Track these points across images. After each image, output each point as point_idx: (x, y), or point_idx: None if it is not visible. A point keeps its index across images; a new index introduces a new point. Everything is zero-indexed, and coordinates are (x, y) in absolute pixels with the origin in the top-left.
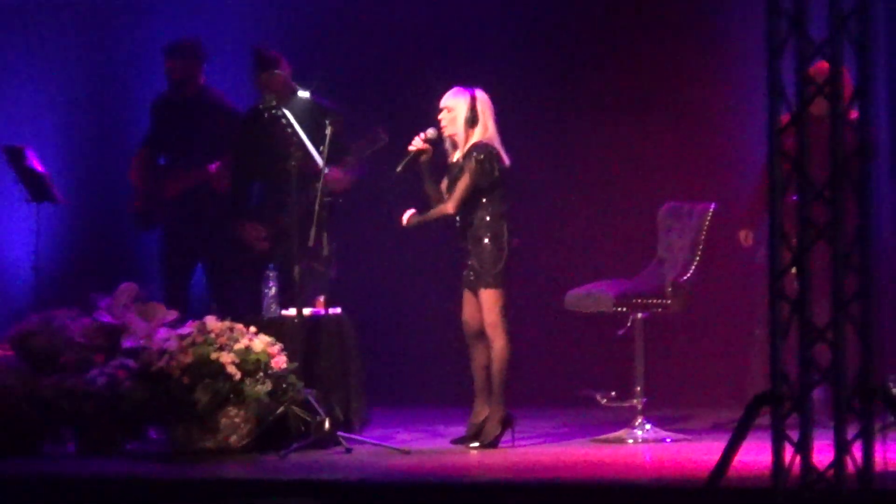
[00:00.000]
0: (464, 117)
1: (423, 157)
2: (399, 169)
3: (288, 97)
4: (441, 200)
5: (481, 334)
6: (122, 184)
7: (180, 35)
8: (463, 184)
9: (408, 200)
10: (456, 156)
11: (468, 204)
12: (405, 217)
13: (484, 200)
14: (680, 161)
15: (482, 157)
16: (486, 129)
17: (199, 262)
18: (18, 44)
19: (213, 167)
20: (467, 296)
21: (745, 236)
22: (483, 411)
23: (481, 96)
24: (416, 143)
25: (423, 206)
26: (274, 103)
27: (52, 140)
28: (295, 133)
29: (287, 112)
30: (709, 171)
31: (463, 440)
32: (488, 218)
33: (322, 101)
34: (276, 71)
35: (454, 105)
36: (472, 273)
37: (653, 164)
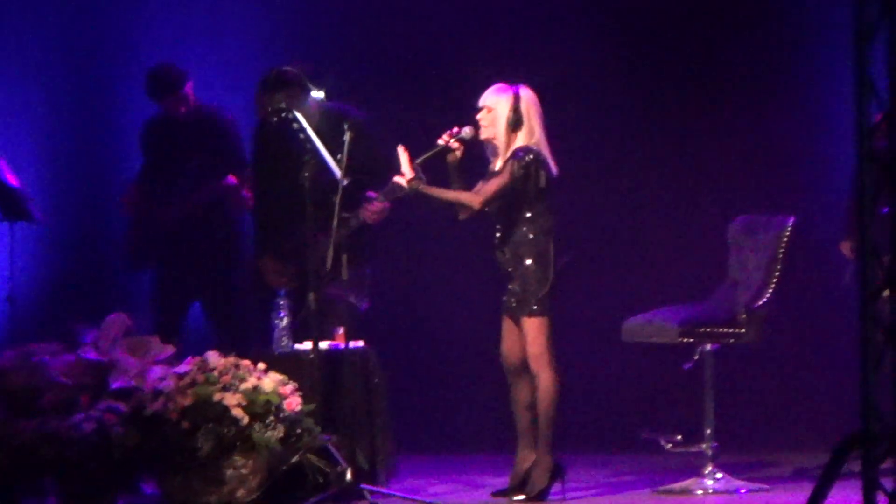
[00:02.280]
0: (505, 119)
1: (451, 157)
2: (419, 161)
3: (300, 100)
4: (467, 211)
5: (524, 369)
6: (109, 201)
7: (174, 34)
8: (499, 182)
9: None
10: (498, 164)
11: (508, 218)
12: (405, 178)
13: (528, 215)
14: (754, 168)
15: (527, 160)
16: (532, 134)
17: (197, 299)
18: None
19: (232, 179)
20: (507, 324)
21: (849, 248)
22: (528, 458)
23: (526, 95)
24: (444, 139)
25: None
26: (283, 105)
27: (28, 150)
28: (308, 139)
29: (299, 116)
30: (787, 178)
31: (506, 492)
32: (532, 235)
33: (339, 105)
34: (286, 68)
35: (495, 104)
36: (512, 298)
37: (723, 171)
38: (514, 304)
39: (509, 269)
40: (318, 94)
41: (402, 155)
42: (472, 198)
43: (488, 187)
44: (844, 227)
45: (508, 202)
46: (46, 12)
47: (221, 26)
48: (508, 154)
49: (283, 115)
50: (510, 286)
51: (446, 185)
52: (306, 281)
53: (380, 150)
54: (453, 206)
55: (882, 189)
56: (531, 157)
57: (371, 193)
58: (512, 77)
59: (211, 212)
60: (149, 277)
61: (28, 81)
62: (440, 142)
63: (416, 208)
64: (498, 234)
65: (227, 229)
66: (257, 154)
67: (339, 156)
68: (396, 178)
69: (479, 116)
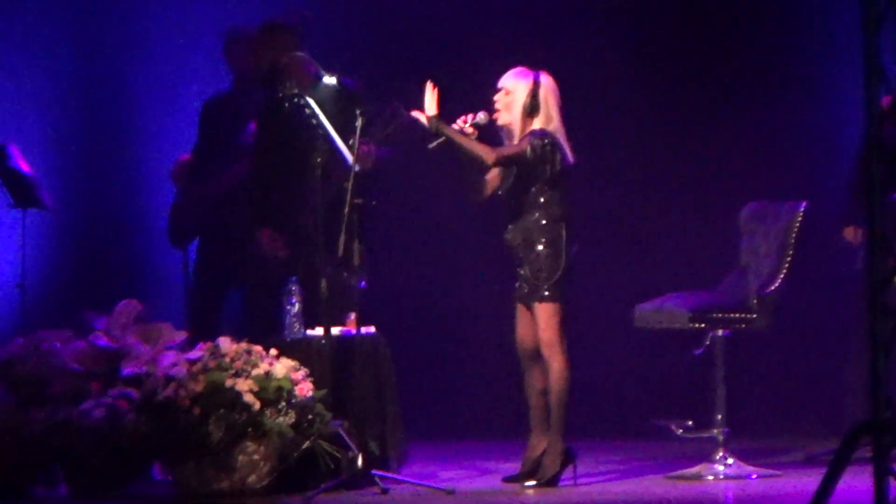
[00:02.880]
0: (522, 104)
1: None
2: (432, 146)
3: (310, 84)
4: (480, 192)
5: (537, 355)
6: (120, 187)
7: (180, 22)
8: (515, 149)
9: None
10: None
11: (520, 202)
12: (426, 114)
13: (542, 200)
14: (765, 155)
15: (543, 141)
16: (549, 121)
17: (236, 286)
18: (1, 32)
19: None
20: (521, 311)
21: (854, 234)
22: (540, 444)
23: (546, 82)
24: (459, 124)
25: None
26: (295, 91)
27: (39, 137)
28: (320, 125)
29: (311, 101)
30: (798, 164)
31: (517, 478)
32: (544, 221)
33: (350, 83)
34: (297, 53)
35: (513, 88)
36: (524, 285)
37: (734, 158)
38: (525, 291)
39: (519, 254)
40: (330, 80)
41: (430, 91)
42: (488, 152)
43: (504, 149)
44: (847, 212)
45: (522, 185)
46: (54, 3)
47: (229, 16)
48: (524, 136)
49: (296, 100)
50: (521, 272)
51: (459, 170)
52: (301, 252)
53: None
54: (466, 156)
55: (890, 176)
56: (547, 139)
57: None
58: (526, 63)
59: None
60: (159, 261)
61: (37, 70)
62: (455, 126)
63: (425, 195)
64: (508, 217)
65: None
66: (264, 132)
67: (350, 141)
68: (415, 113)
69: (496, 97)
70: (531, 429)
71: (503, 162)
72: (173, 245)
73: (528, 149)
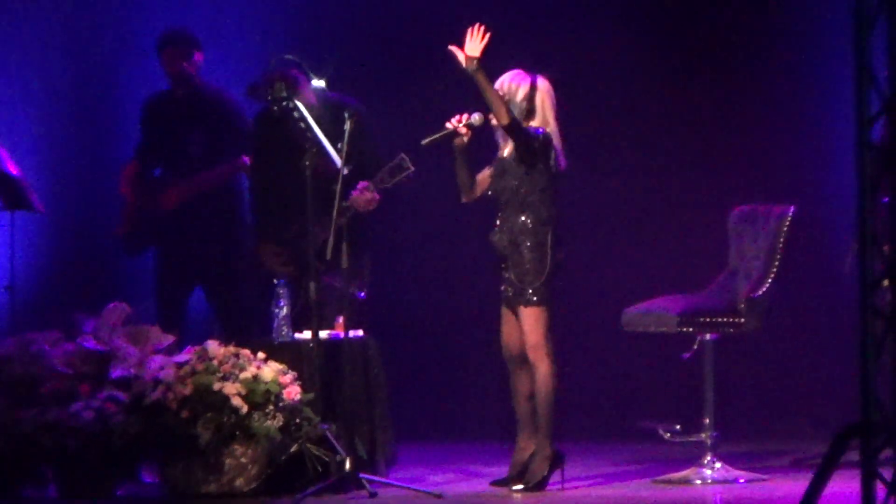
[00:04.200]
0: (518, 107)
1: (458, 142)
2: (425, 142)
3: (297, 89)
4: (471, 192)
5: (523, 359)
6: (110, 189)
7: (174, 21)
8: (526, 124)
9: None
10: (507, 150)
11: (511, 202)
12: (473, 52)
13: (530, 201)
14: (754, 157)
15: (542, 139)
16: (545, 125)
17: (199, 285)
18: None
19: (246, 159)
20: (506, 314)
21: None
22: (528, 448)
23: (543, 86)
24: (454, 123)
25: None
26: (284, 94)
27: (28, 139)
28: (309, 128)
29: (300, 104)
30: (787, 168)
31: (505, 482)
32: (531, 224)
33: (339, 96)
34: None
35: (509, 91)
36: (509, 288)
37: (723, 161)
38: (511, 294)
39: (505, 256)
40: (319, 84)
41: (478, 33)
42: (505, 114)
43: (518, 119)
44: None
45: (513, 185)
46: (45, 2)
47: (222, 15)
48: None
49: (285, 103)
50: (506, 275)
51: (451, 170)
52: (305, 268)
53: (377, 142)
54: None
55: (881, 178)
56: (544, 137)
57: (362, 183)
58: (521, 64)
59: (212, 194)
60: (149, 265)
61: (28, 70)
62: (449, 125)
63: (415, 197)
64: (499, 218)
65: (230, 213)
66: (257, 141)
67: (339, 144)
68: (454, 48)
69: None
70: (518, 432)
71: (515, 129)
72: (128, 254)
73: (532, 133)
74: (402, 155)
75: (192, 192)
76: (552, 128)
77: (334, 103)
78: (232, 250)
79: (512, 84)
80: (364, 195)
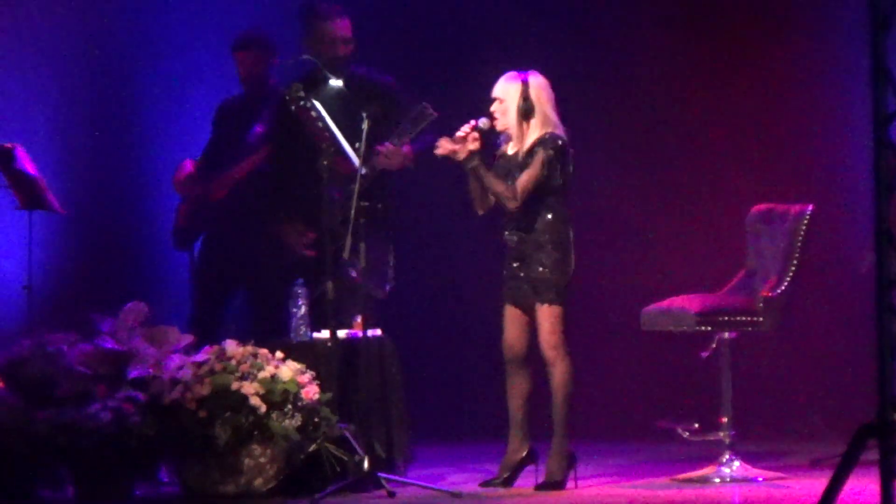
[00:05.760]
0: (516, 108)
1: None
2: (439, 152)
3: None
4: (484, 204)
5: (525, 359)
6: (128, 189)
7: (190, 21)
8: (530, 176)
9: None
10: (511, 146)
11: (527, 202)
12: (466, 148)
13: (551, 201)
14: (772, 157)
15: (554, 151)
16: (547, 120)
17: (241, 287)
18: (6, 29)
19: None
20: (512, 313)
21: None
22: (521, 450)
23: (535, 81)
24: (465, 131)
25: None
26: (301, 94)
27: (45, 139)
28: (327, 127)
29: (317, 104)
30: (805, 168)
31: (494, 482)
32: (554, 222)
33: (365, 71)
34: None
35: (504, 94)
36: (525, 286)
37: (740, 160)
38: (528, 292)
39: (524, 255)
40: (336, 83)
41: (471, 131)
42: (510, 199)
43: (522, 184)
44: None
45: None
46: (61, 2)
47: (238, 17)
48: (530, 142)
49: (302, 103)
50: (521, 273)
51: (461, 175)
52: (323, 259)
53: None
54: (483, 192)
55: None
56: (559, 144)
57: (382, 146)
58: (525, 66)
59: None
60: (168, 264)
61: (44, 71)
62: (459, 134)
63: (432, 196)
64: (510, 217)
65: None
66: (275, 134)
67: (357, 144)
68: (444, 142)
69: (493, 108)
70: (511, 434)
71: (525, 198)
72: (177, 248)
73: (541, 169)
74: (424, 103)
75: (234, 177)
76: (554, 121)
77: (361, 79)
78: (277, 250)
79: (507, 87)
80: (384, 147)
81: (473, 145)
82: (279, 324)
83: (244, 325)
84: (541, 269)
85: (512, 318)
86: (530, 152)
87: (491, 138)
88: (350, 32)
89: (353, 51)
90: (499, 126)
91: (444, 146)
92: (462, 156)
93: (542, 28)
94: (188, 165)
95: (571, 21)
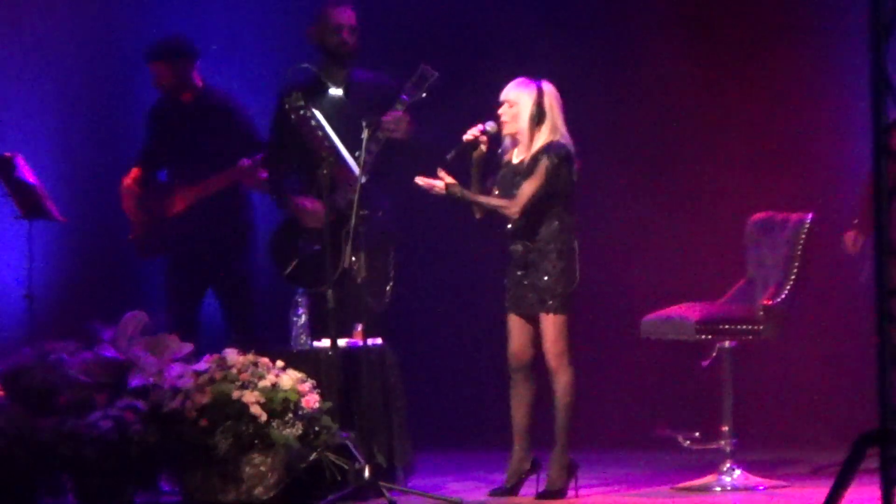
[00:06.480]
0: (528, 114)
1: (476, 153)
2: (450, 157)
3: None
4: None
5: (530, 369)
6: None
7: (191, 27)
8: (533, 185)
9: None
10: (516, 154)
11: (532, 211)
12: (443, 182)
13: (556, 209)
14: (772, 165)
15: (558, 159)
16: (556, 129)
17: (211, 288)
18: (7, 36)
19: (246, 162)
20: (517, 322)
21: (852, 240)
22: (526, 458)
23: (549, 90)
24: (474, 132)
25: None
26: (301, 103)
27: (45, 147)
28: (326, 136)
29: (317, 113)
30: (805, 176)
31: (502, 492)
32: (560, 231)
33: (372, 76)
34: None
35: (517, 99)
36: (530, 294)
37: (740, 169)
38: (533, 300)
39: (530, 264)
40: (336, 92)
41: (444, 175)
42: (510, 206)
43: (524, 193)
44: (857, 218)
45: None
46: (61, 7)
47: (238, 21)
48: (535, 150)
49: (302, 112)
50: (525, 281)
51: (467, 179)
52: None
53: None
54: (485, 211)
55: None
56: (564, 152)
57: (388, 115)
58: (528, 71)
59: (222, 198)
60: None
61: (44, 79)
62: (467, 137)
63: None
64: (516, 226)
65: (235, 215)
66: (275, 140)
67: (357, 153)
68: (424, 181)
69: (500, 111)
70: (515, 443)
71: (527, 207)
72: (139, 257)
73: (544, 178)
74: (423, 65)
75: (197, 196)
76: (562, 131)
77: (362, 86)
78: (240, 253)
79: (520, 92)
80: (399, 120)
81: (478, 150)
82: (253, 324)
83: (220, 332)
84: (546, 277)
85: (517, 328)
86: (534, 159)
87: (495, 142)
88: (355, 22)
89: (358, 47)
90: (506, 130)
91: (422, 184)
92: (441, 192)
93: (546, 35)
94: (133, 176)
95: (573, 29)
